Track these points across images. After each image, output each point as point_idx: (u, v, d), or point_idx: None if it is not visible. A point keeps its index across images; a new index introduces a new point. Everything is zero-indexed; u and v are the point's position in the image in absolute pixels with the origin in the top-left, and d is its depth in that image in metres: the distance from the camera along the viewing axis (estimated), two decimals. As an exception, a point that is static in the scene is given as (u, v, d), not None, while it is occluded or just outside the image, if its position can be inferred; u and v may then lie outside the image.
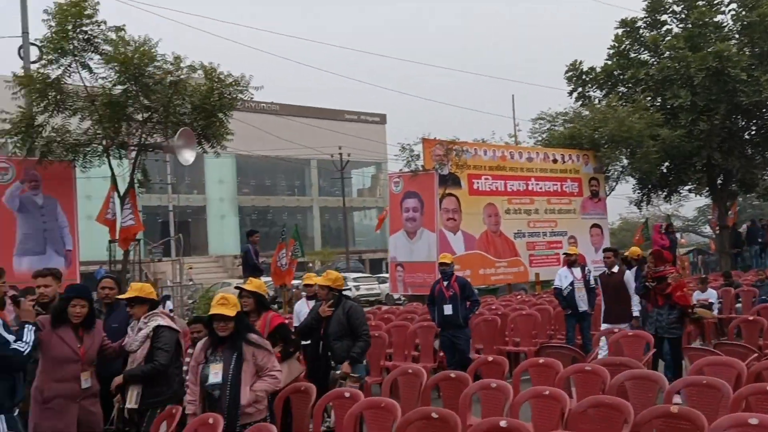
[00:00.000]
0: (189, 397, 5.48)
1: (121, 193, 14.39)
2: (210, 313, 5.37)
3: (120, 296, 6.47)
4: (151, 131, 14.73)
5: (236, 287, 6.85)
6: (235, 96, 14.80)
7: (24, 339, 4.87)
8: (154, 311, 6.14)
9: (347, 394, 6.08)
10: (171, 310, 27.61)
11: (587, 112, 24.57)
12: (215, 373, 5.30)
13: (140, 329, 6.01)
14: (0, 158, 13.79)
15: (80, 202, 14.85)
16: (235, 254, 46.80)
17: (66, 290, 5.84)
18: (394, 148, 36.54)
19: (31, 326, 5.00)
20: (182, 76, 14.02)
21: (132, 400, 5.84)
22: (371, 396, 6.60)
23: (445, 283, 9.96)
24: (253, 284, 6.69)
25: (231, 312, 5.35)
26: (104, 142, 14.25)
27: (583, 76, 26.51)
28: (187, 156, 14.52)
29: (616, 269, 10.60)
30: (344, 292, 7.66)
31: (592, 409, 5.17)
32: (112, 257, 14.78)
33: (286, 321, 7.30)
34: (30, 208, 13.94)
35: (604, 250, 11.70)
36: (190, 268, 40.54)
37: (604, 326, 10.48)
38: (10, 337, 4.79)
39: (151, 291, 6.21)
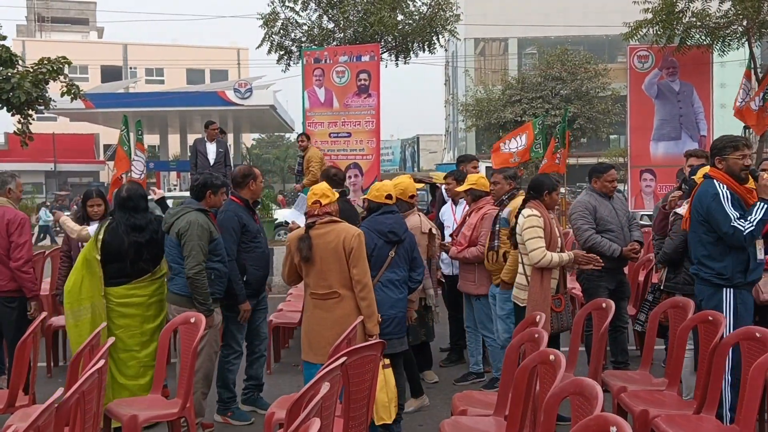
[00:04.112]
0: None
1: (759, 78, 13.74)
2: None
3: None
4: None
5: None
6: None
7: (749, 219, 4.44)
8: None
9: None
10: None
11: None
12: None
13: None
14: (641, 47, 14.47)
15: (714, 90, 14.65)
16: None
17: None
18: None
19: (764, 204, 4.42)
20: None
21: None
22: None
23: None
24: None
25: None
26: (744, 23, 13.70)
27: None
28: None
29: None
30: None
31: None
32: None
33: None
34: (667, 95, 14.37)
35: None
36: None
37: None
38: (734, 214, 4.45)
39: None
